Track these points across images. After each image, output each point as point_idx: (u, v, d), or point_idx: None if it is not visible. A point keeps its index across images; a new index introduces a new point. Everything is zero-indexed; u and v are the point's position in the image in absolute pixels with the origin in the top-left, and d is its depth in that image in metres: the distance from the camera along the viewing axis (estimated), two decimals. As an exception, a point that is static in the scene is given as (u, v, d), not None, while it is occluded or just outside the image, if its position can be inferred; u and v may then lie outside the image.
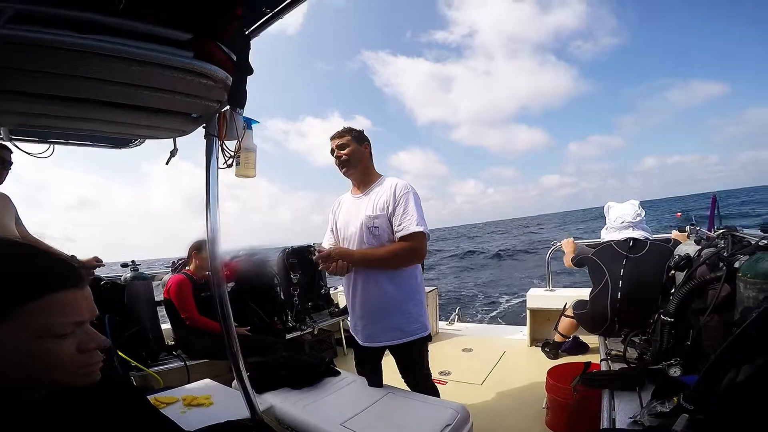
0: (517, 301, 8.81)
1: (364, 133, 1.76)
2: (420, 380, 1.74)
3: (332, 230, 1.82)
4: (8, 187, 1.96)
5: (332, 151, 1.71)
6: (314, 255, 1.75)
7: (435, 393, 1.75)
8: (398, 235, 1.56)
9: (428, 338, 1.72)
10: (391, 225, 1.60)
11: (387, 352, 1.75)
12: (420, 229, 1.54)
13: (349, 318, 1.82)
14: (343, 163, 1.69)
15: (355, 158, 1.68)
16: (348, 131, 1.72)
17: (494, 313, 8.48)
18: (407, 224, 1.54)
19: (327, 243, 1.82)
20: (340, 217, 1.77)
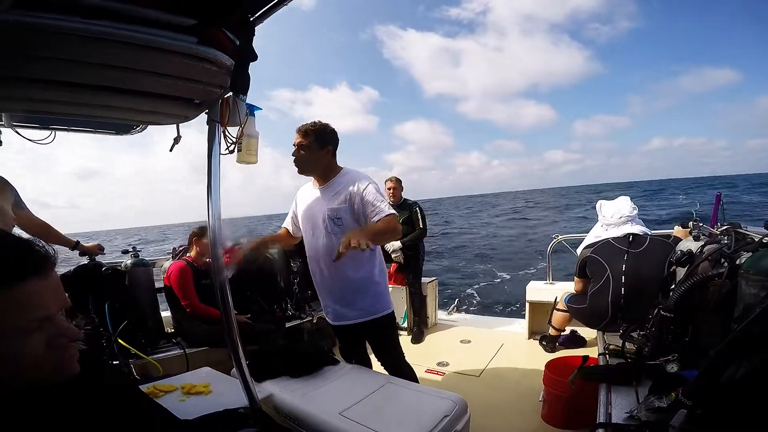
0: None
1: (333, 133, 1.74)
2: (393, 360, 1.87)
3: (293, 217, 1.92)
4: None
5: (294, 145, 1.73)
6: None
7: (411, 373, 1.88)
8: (375, 219, 1.64)
9: (392, 317, 1.85)
10: (355, 216, 1.69)
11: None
12: (392, 211, 1.66)
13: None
14: (295, 163, 1.73)
15: (310, 163, 1.72)
16: (311, 132, 1.68)
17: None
18: (380, 210, 1.64)
19: (286, 226, 1.97)
20: (300, 208, 1.85)
